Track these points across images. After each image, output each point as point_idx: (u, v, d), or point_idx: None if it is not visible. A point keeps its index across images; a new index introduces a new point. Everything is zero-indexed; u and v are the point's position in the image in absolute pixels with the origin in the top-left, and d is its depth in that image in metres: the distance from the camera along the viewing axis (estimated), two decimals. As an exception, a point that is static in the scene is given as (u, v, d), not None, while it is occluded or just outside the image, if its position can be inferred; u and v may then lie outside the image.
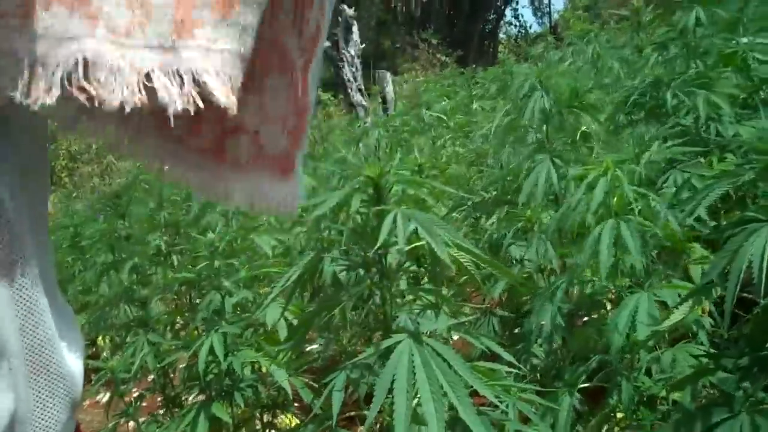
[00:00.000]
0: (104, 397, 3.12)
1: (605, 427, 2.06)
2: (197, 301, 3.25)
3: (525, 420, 1.83)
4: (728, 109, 2.78)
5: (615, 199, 1.96)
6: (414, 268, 1.95)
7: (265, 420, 3.00)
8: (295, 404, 2.97)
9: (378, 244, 1.49)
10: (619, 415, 1.99)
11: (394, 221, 1.51)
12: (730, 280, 1.37)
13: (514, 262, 2.71)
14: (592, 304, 2.30)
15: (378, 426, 1.82)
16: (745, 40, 3.18)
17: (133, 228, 4.02)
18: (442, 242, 1.48)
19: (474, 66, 12.23)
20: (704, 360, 1.75)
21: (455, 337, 2.03)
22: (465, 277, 2.41)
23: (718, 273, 1.46)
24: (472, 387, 1.42)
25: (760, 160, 1.49)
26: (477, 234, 3.23)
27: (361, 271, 1.73)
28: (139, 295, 3.30)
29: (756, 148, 1.56)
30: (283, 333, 2.79)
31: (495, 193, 3.32)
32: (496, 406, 1.58)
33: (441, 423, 1.35)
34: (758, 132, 2.46)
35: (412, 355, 1.42)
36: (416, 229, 1.51)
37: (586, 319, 2.78)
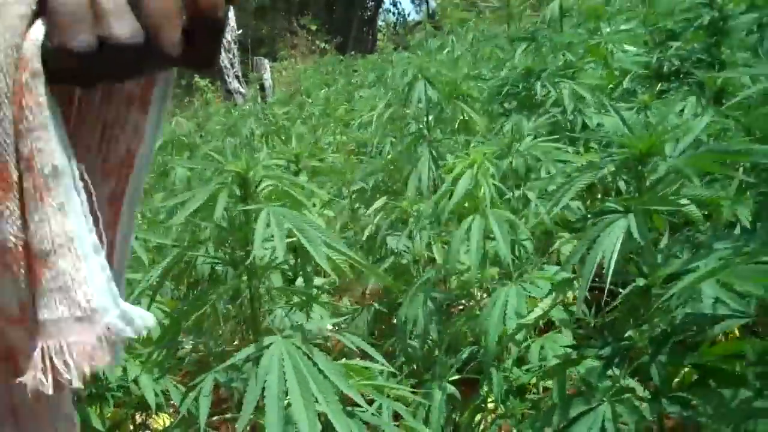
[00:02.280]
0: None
1: (478, 418, 2.08)
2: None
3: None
4: (591, 100, 2.88)
5: (480, 191, 1.98)
6: (288, 263, 1.90)
7: (138, 421, 2.90)
8: (172, 402, 2.87)
9: (255, 250, 1.44)
10: (491, 405, 2.02)
11: (268, 222, 1.46)
12: (585, 269, 1.39)
13: (390, 252, 2.71)
14: (464, 295, 2.33)
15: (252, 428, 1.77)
16: (608, 29, 3.29)
17: None
18: (318, 242, 1.45)
19: (353, 53, 12.22)
20: (570, 351, 1.79)
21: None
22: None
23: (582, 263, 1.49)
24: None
25: (619, 153, 1.53)
26: (355, 224, 3.21)
27: (230, 270, 1.68)
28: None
29: (616, 142, 1.60)
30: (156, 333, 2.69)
31: (373, 183, 3.31)
32: (371, 404, 1.57)
33: (314, 427, 1.32)
34: (617, 126, 2.54)
35: (283, 359, 1.38)
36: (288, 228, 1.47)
37: (461, 308, 2.82)
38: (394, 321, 2.81)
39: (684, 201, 1.53)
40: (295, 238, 1.49)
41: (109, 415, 2.80)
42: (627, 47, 3.49)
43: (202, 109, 10.71)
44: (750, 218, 1.83)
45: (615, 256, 1.34)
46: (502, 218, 1.94)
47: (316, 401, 1.33)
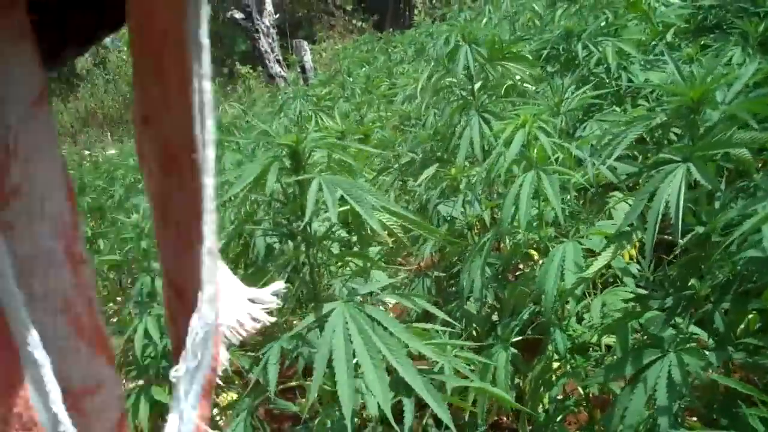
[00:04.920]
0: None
1: (545, 377, 2.09)
2: (129, 284, 3.17)
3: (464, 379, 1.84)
4: (637, 55, 2.83)
5: (534, 151, 1.97)
6: (343, 234, 1.92)
7: (206, 400, 2.97)
8: (237, 382, 2.94)
9: (307, 216, 1.46)
10: (555, 364, 2.02)
11: (320, 189, 1.49)
12: (649, 222, 1.39)
13: (442, 221, 2.71)
14: (521, 257, 2.32)
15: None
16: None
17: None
18: (370, 207, 1.46)
19: (391, 30, 12.20)
20: (632, 304, 1.78)
21: (391, 304, 2.03)
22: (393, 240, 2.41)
23: (638, 216, 1.48)
24: (407, 348, 1.42)
25: (671, 102, 1.51)
26: (406, 196, 3.22)
27: (289, 242, 1.70)
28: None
29: (668, 91, 1.58)
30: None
31: (422, 154, 3.31)
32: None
33: (384, 387, 1.34)
34: (668, 76, 2.50)
35: (347, 322, 1.40)
36: (341, 195, 1.49)
37: (518, 273, 2.81)
38: (451, 289, 2.82)
39: (740, 148, 1.51)
40: (349, 207, 1.51)
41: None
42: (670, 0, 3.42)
43: (246, 96, 10.81)
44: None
45: (681, 203, 1.33)
46: (555, 175, 1.94)
47: (384, 358, 1.35)
